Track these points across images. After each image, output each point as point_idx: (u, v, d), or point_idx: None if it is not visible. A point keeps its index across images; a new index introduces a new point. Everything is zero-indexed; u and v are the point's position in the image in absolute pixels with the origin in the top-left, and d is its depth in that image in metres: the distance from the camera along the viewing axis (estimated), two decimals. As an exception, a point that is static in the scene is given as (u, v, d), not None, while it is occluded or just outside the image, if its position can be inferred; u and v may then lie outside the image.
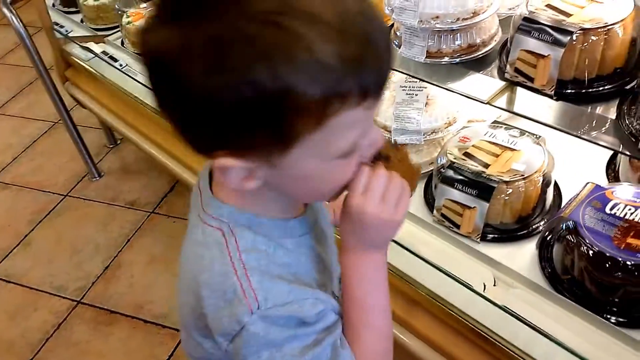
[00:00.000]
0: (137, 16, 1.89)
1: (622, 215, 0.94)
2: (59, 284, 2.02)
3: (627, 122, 0.86)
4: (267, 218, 0.62)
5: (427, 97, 1.24)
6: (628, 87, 0.90)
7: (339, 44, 0.46)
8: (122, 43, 1.98)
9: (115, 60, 1.92)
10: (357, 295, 0.63)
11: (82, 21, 2.14)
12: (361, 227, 0.62)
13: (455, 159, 1.11)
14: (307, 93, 0.46)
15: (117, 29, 2.01)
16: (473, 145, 1.13)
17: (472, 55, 1.05)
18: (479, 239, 1.09)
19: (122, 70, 1.88)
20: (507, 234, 1.10)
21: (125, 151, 2.56)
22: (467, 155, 1.11)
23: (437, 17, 1.01)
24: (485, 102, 1.00)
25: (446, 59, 1.05)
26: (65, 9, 2.22)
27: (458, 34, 1.04)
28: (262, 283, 0.57)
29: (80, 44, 2.06)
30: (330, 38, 0.46)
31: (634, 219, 0.93)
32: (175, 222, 2.18)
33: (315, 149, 0.52)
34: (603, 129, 0.89)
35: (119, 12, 1.93)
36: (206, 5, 0.47)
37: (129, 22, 1.88)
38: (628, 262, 0.88)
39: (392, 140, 0.64)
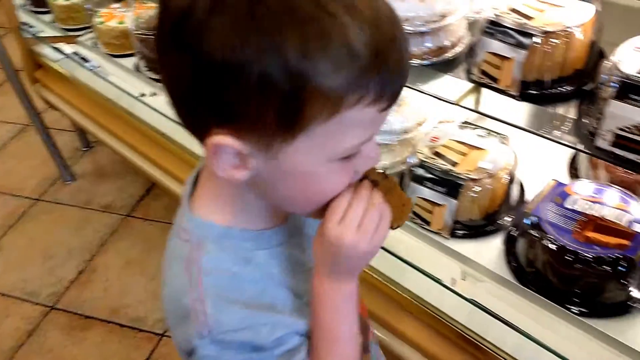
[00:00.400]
0: (108, 16, 1.88)
1: (581, 210, 0.99)
2: (31, 289, 1.99)
3: (586, 121, 0.90)
4: (239, 229, 0.59)
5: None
6: (587, 88, 0.93)
7: (370, 35, 0.46)
8: (94, 44, 1.96)
9: (87, 61, 1.91)
10: (324, 323, 0.61)
11: (53, 21, 2.11)
12: (335, 257, 0.58)
13: (425, 158, 1.14)
14: (331, 77, 0.46)
15: (89, 30, 2.00)
16: (442, 145, 1.17)
17: (441, 58, 1.07)
18: (448, 235, 1.12)
19: (94, 71, 1.87)
20: (475, 230, 1.13)
21: (100, 154, 2.53)
22: (437, 154, 1.14)
23: (407, 19, 1.04)
24: (454, 102, 1.03)
25: (416, 61, 1.07)
26: (36, 9, 2.18)
27: (427, 37, 1.06)
28: (217, 307, 0.56)
29: (51, 44, 2.04)
30: (364, 28, 0.46)
31: (592, 214, 0.98)
32: (151, 225, 2.17)
33: (319, 143, 0.50)
34: (564, 128, 0.93)
35: (91, 12, 1.92)
36: None
37: (100, 22, 1.87)
38: (587, 255, 0.92)
39: (381, 170, 0.60)
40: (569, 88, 0.94)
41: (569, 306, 0.97)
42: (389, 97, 0.51)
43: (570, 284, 0.97)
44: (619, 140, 0.79)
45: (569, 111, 0.94)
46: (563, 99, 0.94)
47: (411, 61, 1.05)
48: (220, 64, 0.46)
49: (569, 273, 0.95)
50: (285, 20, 0.45)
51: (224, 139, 0.50)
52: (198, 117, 0.52)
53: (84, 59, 1.92)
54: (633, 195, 1.02)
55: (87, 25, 2.01)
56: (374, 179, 0.59)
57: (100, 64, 1.89)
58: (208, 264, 0.58)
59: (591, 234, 0.95)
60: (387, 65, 0.49)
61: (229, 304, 0.56)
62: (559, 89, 0.94)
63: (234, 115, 0.49)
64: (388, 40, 0.48)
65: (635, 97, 0.77)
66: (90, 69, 1.88)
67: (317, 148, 0.51)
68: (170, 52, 0.50)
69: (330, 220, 0.56)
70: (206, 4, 0.46)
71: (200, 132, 0.52)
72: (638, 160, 0.78)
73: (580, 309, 0.97)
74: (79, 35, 2.04)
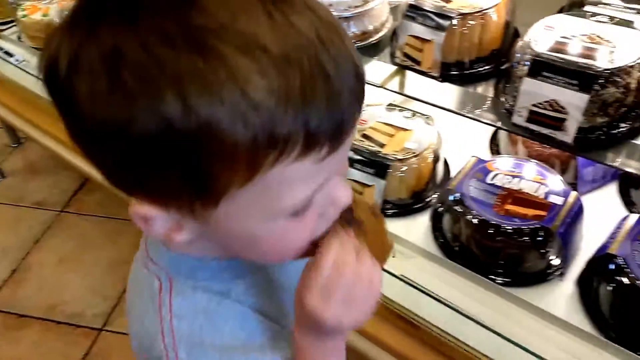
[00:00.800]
0: (32, 9, 1.81)
1: (501, 185, 1.03)
2: (-38, 292, 1.91)
3: (503, 99, 0.93)
4: (214, 260, 0.53)
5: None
6: (503, 67, 0.96)
7: (276, 76, 0.36)
8: (19, 37, 1.90)
9: (12, 55, 1.84)
10: None
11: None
12: (316, 326, 0.50)
13: (354, 140, 1.16)
14: (230, 135, 0.36)
15: (13, 23, 1.93)
16: (370, 127, 1.19)
17: (366, 42, 1.08)
18: (379, 215, 1.15)
19: (19, 66, 1.81)
20: (403, 209, 1.16)
21: (30, 150, 2.45)
22: (365, 136, 1.17)
23: (331, 5, 1.05)
24: (379, 85, 1.05)
25: (342, 45, 1.08)
26: (-45, 3, 2.09)
27: (351, 22, 1.07)
28: (191, 354, 0.51)
29: (-28, 39, 1.96)
30: (266, 68, 0.36)
31: (511, 187, 1.02)
32: (86, 220, 2.12)
33: (250, 206, 0.42)
34: (484, 107, 0.95)
35: (14, 5, 1.85)
36: (120, 11, 0.37)
37: (24, 16, 1.80)
38: (507, 227, 0.97)
39: (371, 205, 0.52)
40: (486, 68, 0.96)
41: (493, 277, 1.01)
42: (325, 142, 0.39)
43: (493, 256, 1.01)
44: (534, 116, 0.82)
45: (488, 90, 0.97)
46: (482, 78, 0.97)
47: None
48: (97, 128, 0.38)
49: (492, 245, 1.00)
50: (154, 76, 0.36)
51: (145, 209, 0.42)
52: (112, 181, 0.43)
53: (9, 54, 1.86)
54: (549, 168, 1.08)
55: (10, 19, 1.94)
56: (358, 217, 0.49)
57: (26, 58, 1.83)
58: (181, 307, 0.52)
59: (510, 207, 0.99)
60: (311, 107, 0.38)
61: (204, 350, 0.51)
62: (477, 69, 0.97)
63: (141, 185, 0.41)
64: (309, 74, 0.37)
65: (547, 74, 0.79)
66: (15, 64, 1.82)
67: (249, 212, 0.42)
68: (56, 108, 0.42)
69: (310, 290, 0.48)
70: (66, 60, 0.38)
71: (127, 195, 0.44)
72: (551, 135, 0.82)
73: (504, 279, 1.01)
74: (1, 30, 1.96)
